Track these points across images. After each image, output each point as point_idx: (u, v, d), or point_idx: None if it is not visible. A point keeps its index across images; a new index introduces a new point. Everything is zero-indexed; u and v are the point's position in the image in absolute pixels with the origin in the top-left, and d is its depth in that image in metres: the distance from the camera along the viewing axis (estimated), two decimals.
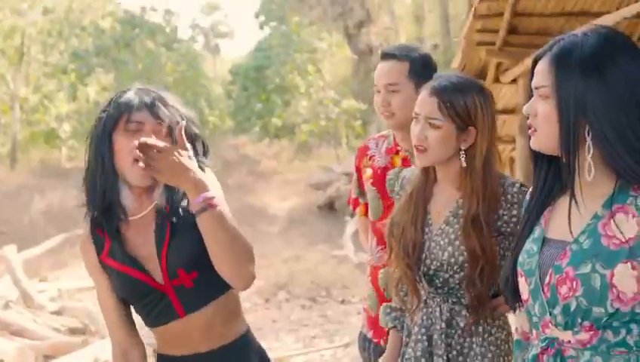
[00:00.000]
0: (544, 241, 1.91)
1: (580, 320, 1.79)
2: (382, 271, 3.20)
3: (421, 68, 3.10)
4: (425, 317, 2.60)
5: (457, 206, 2.56)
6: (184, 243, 2.36)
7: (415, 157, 2.60)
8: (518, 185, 2.56)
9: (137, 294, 2.40)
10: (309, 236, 16.26)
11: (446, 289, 2.56)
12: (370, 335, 3.34)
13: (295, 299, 10.92)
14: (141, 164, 2.23)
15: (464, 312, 2.55)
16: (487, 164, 2.53)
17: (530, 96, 1.92)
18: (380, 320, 2.87)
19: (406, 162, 3.16)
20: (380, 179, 3.22)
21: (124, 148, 2.29)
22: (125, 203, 2.36)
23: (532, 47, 5.33)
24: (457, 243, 2.51)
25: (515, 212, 2.51)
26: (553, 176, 1.95)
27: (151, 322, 2.44)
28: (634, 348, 1.76)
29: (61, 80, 25.19)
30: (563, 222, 1.86)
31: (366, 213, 3.46)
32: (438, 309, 2.57)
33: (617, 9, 5.23)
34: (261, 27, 35.44)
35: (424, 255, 2.57)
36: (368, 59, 26.73)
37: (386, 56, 3.17)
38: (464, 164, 2.52)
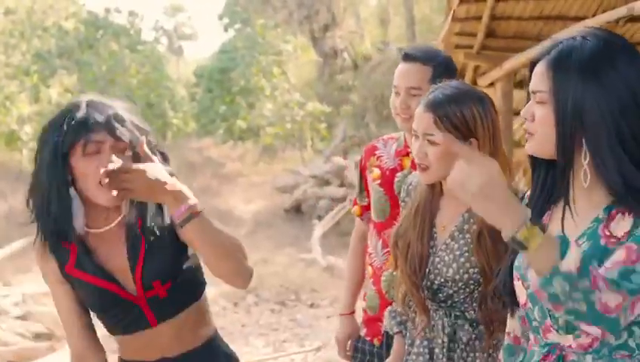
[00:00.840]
0: None
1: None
2: (385, 273, 3.16)
3: (443, 73, 3.00)
4: (427, 330, 2.55)
5: (463, 220, 2.49)
6: (161, 255, 2.33)
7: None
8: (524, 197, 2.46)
9: (106, 305, 2.34)
10: (276, 239, 16.18)
11: (449, 303, 2.50)
12: (363, 333, 3.32)
13: (264, 302, 10.85)
14: (114, 192, 2.15)
15: (467, 326, 2.49)
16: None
17: (527, 99, 1.89)
18: (385, 324, 2.82)
19: (415, 164, 3.11)
20: (388, 181, 3.19)
21: (88, 172, 2.21)
22: (77, 225, 2.29)
23: (510, 51, 5.36)
24: (462, 260, 2.44)
25: None
26: (552, 180, 1.91)
27: (118, 331, 2.40)
28: (636, 351, 1.74)
29: (23, 81, 24.75)
30: (560, 225, 1.83)
31: (361, 214, 3.45)
32: (440, 322, 2.51)
33: (594, 14, 5.27)
34: (225, 29, 35.27)
35: (428, 269, 2.51)
36: (333, 62, 26.79)
37: (410, 58, 3.10)
38: None
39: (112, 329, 2.41)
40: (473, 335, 2.49)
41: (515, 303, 1.98)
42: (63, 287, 2.35)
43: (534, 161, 1.93)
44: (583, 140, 1.74)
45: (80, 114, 2.22)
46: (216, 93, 28.66)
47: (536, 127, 1.83)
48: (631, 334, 1.74)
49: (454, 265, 2.45)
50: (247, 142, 27.41)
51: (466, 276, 2.43)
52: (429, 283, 2.51)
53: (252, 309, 10.54)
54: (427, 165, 2.44)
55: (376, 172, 3.24)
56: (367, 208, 3.39)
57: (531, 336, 1.94)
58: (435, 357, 2.51)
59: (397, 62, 3.21)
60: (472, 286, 2.44)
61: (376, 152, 3.29)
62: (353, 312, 3.52)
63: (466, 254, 2.43)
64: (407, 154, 3.17)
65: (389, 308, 2.83)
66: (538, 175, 1.95)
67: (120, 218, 2.33)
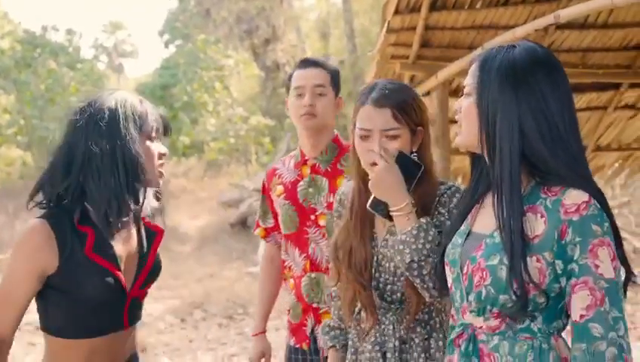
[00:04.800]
0: (469, 234, 2.10)
1: (489, 307, 1.97)
2: (304, 278, 3.31)
3: (337, 78, 3.33)
4: (378, 335, 2.57)
5: None
6: (159, 259, 2.54)
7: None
8: (453, 188, 2.53)
9: (109, 295, 2.36)
10: (222, 254, 16.10)
11: (397, 303, 2.54)
12: (292, 342, 3.42)
13: (211, 317, 10.78)
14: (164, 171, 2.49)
15: (419, 329, 2.53)
16: (432, 163, 2.55)
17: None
18: (320, 340, 2.92)
19: (315, 170, 3.32)
20: (292, 192, 3.36)
21: (152, 155, 2.43)
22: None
23: (444, 60, 5.45)
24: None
25: (442, 218, 2.49)
26: (486, 176, 2.11)
27: (98, 330, 2.39)
28: (538, 334, 1.95)
29: None
30: (486, 217, 2.06)
31: (265, 236, 3.60)
32: (391, 327, 2.54)
33: (524, 22, 5.40)
34: (166, 45, 35.12)
35: (374, 269, 2.55)
36: (276, 76, 26.79)
37: (310, 63, 3.31)
38: None
39: (91, 329, 2.38)
40: (425, 336, 2.53)
41: (445, 287, 2.18)
42: (34, 280, 2.30)
43: (473, 158, 2.16)
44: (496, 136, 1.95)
45: (143, 106, 2.44)
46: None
47: (462, 118, 2.05)
48: (533, 319, 1.95)
49: (396, 260, 2.46)
50: (191, 157, 27.26)
51: None
52: (375, 282, 2.55)
53: (199, 324, 10.47)
54: (387, 160, 2.44)
55: (280, 188, 3.40)
56: (272, 229, 3.54)
57: (455, 317, 2.14)
58: (387, 361, 2.53)
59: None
60: None
61: (277, 172, 3.47)
62: (264, 332, 3.63)
63: None
64: (305, 163, 3.35)
65: (323, 322, 2.90)
66: (475, 171, 2.17)
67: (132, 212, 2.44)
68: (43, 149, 24.15)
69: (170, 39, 34.97)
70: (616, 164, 7.56)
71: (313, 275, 3.29)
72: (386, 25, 5.35)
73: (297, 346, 3.38)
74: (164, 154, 2.48)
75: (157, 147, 2.46)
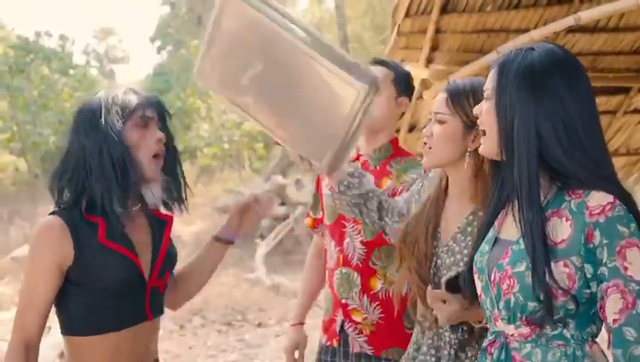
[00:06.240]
0: (496, 241, 2.07)
1: (519, 314, 1.94)
2: (336, 272, 3.27)
3: (403, 79, 3.27)
4: (436, 338, 2.52)
5: (467, 223, 2.47)
6: (173, 245, 2.54)
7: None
8: None
9: (127, 282, 2.35)
10: None
11: None
12: (324, 340, 3.38)
13: (210, 324, 10.73)
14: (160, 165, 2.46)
15: (474, 343, 2.45)
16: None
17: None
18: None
19: (364, 166, 3.28)
20: None
21: (142, 143, 2.41)
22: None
23: (455, 64, 5.42)
24: (462, 264, 2.39)
25: None
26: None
27: (118, 323, 2.36)
28: (571, 341, 1.92)
29: None
30: (512, 223, 2.02)
31: (313, 226, 3.58)
32: (447, 334, 2.48)
33: (536, 26, 5.38)
34: (158, 51, 35.05)
35: (432, 271, 2.48)
36: None
37: (376, 62, 3.29)
38: (465, 166, 2.43)
39: (113, 322, 2.36)
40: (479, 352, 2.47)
41: (475, 296, 2.15)
42: (55, 274, 2.30)
43: (494, 163, 2.12)
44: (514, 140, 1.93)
45: (127, 93, 2.42)
46: None
47: (482, 122, 2.04)
48: (566, 326, 1.92)
49: (454, 268, 2.42)
50: (184, 163, 27.17)
51: None
52: (434, 286, 2.46)
53: (199, 331, 10.41)
54: (430, 145, 2.47)
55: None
56: (321, 221, 3.50)
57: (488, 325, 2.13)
58: None
59: None
60: None
61: None
62: (302, 323, 3.59)
63: (466, 259, 2.37)
64: (357, 158, 3.33)
65: None
66: (497, 176, 2.12)
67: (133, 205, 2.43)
68: (36, 155, 24.07)
69: (162, 45, 34.89)
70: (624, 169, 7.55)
71: (344, 270, 3.24)
72: (396, 28, 5.33)
73: (328, 344, 3.34)
74: (159, 140, 2.45)
75: (150, 134, 2.43)
